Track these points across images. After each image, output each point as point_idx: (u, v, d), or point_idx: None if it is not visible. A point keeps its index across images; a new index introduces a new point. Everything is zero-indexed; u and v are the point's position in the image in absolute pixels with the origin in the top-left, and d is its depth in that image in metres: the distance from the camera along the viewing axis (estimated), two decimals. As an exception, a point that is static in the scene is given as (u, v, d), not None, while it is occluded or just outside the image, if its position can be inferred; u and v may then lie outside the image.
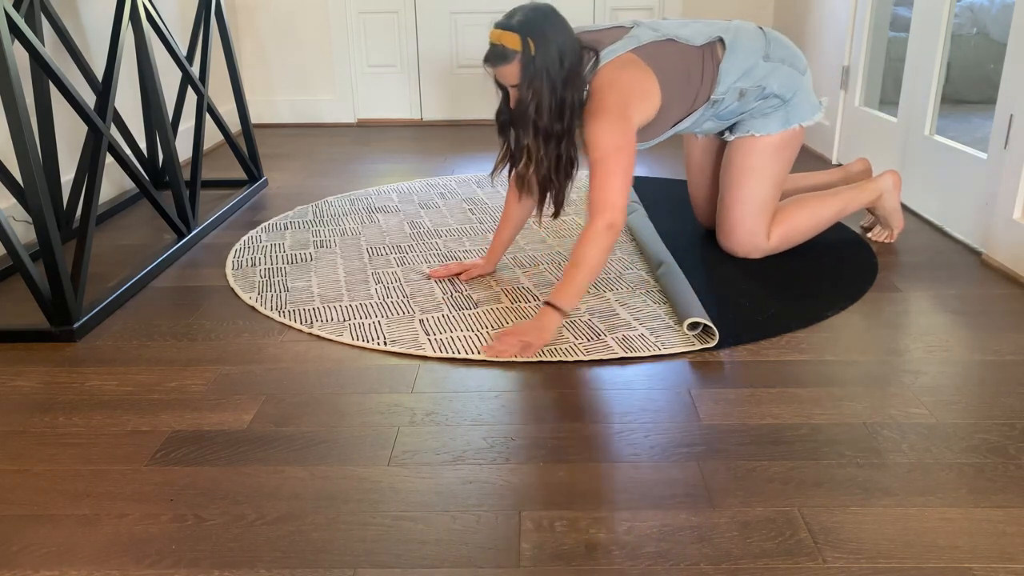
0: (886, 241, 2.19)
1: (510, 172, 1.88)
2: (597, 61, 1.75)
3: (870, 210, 2.22)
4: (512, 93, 1.73)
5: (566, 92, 1.68)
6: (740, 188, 2.00)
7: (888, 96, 2.92)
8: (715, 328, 1.64)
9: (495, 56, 1.70)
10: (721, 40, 1.91)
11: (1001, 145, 2.00)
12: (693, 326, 1.67)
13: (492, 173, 1.87)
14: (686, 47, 1.86)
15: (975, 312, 1.77)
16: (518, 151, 1.79)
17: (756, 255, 2.05)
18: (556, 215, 1.83)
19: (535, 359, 1.59)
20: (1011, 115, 1.96)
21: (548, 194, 1.80)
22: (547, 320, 1.64)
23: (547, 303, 1.65)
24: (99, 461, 1.30)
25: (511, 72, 1.69)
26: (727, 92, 1.90)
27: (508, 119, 1.79)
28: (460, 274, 2.00)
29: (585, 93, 1.75)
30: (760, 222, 2.01)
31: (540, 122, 1.68)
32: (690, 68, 1.86)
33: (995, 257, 2.02)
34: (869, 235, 2.23)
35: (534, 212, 1.93)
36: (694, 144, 2.20)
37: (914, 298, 1.85)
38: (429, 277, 2.01)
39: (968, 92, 4.14)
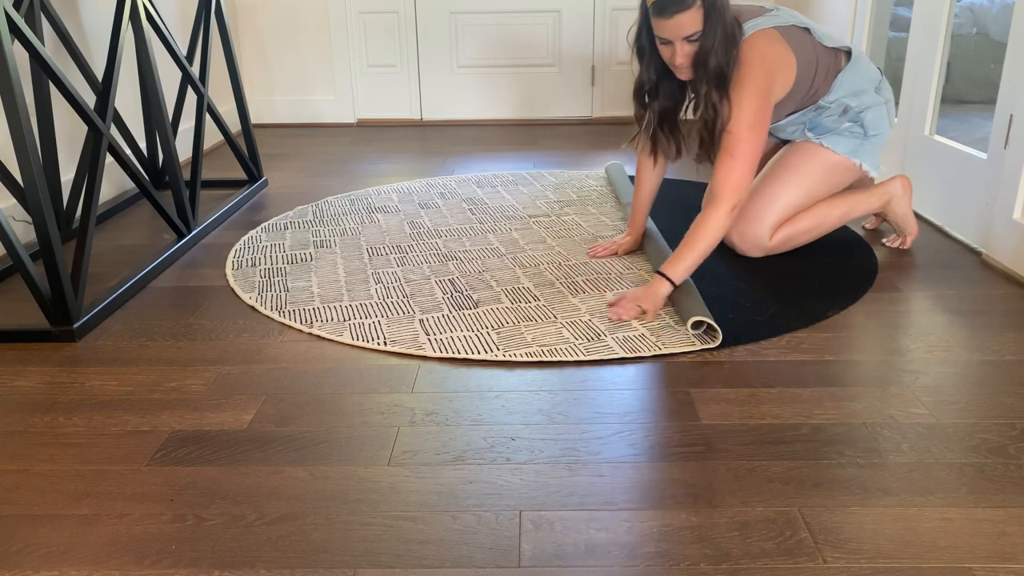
0: (900, 248, 2.14)
1: (650, 140, 1.97)
2: (743, 31, 1.79)
3: (881, 216, 2.20)
4: (679, 48, 1.74)
5: (731, 45, 1.75)
6: (778, 184, 1.99)
7: (888, 96, 2.91)
8: (718, 328, 1.64)
9: (675, 3, 1.68)
10: (848, 52, 1.95)
11: (1001, 145, 2.00)
12: (696, 325, 1.67)
13: (631, 142, 1.98)
14: (817, 43, 1.90)
15: (975, 312, 1.77)
16: (693, 107, 1.85)
17: (755, 253, 2.05)
18: (700, 160, 1.89)
19: (534, 359, 1.59)
20: (1011, 115, 1.96)
21: (699, 142, 1.86)
22: (660, 288, 1.76)
23: (660, 273, 1.77)
24: (99, 461, 1.30)
25: (691, 19, 1.69)
26: (835, 103, 1.94)
27: (653, 86, 1.87)
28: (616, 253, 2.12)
29: (736, 52, 1.79)
30: (773, 222, 2.01)
31: (721, 65, 1.73)
32: (817, 64, 1.90)
33: (995, 257, 2.02)
34: (884, 242, 2.18)
35: (671, 156, 2.00)
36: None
37: (914, 298, 1.85)
38: (592, 256, 2.12)
39: (968, 92, 4.13)
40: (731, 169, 1.77)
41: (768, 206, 2.00)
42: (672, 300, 1.80)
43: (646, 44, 1.82)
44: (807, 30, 1.90)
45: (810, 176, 1.99)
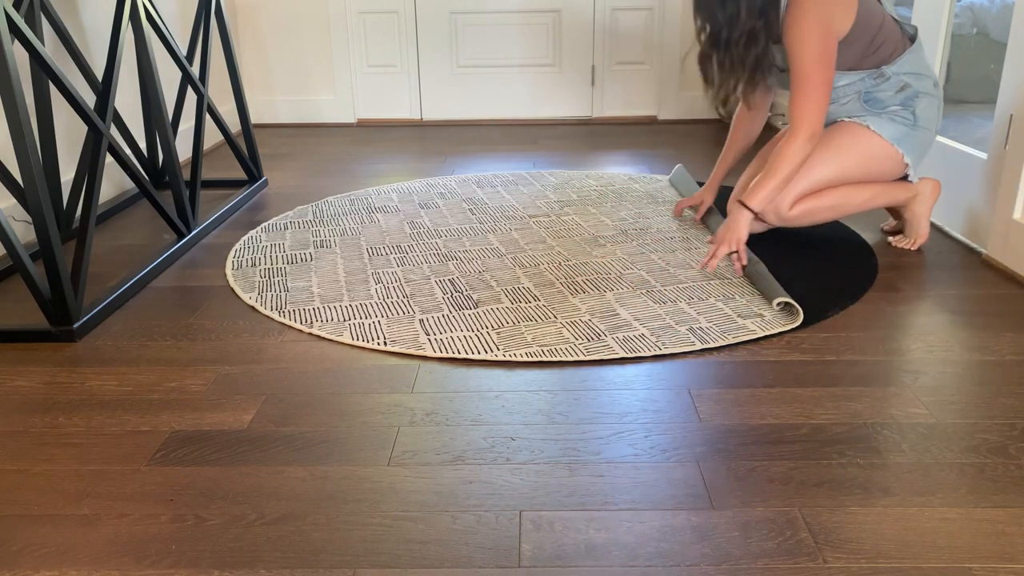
0: (907, 248, 2.13)
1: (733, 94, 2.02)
2: None
3: (897, 215, 2.19)
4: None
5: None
6: (815, 158, 1.97)
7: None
8: (799, 308, 1.72)
9: None
10: (912, 37, 1.97)
11: (1001, 145, 2.00)
12: (780, 305, 1.76)
13: (717, 105, 2.03)
14: (882, 9, 1.93)
15: (975, 312, 1.77)
16: (727, 59, 1.91)
17: (772, 220, 2.02)
18: (767, 80, 1.98)
19: (534, 359, 1.59)
20: (1011, 115, 1.96)
21: (754, 87, 1.96)
22: (737, 217, 1.89)
23: (739, 201, 1.88)
24: (99, 461, 1.30)
25: None
26: (896, 76, 1.94)
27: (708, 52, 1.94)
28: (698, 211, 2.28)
29: (784, 3, 1.84)
30: (798, 192, 1.98)
31: (745, 22, 1.82)
32: (883, 22, 1.91)
33: (995, 257, 2.02)
34: (891, 240, 2.18)
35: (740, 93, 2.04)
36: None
37: (914, 298, 1.85)
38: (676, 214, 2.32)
39: (968, 92, 4.13)
40: (806, 100, 1.83)
41: (798, 178, 1.97)
42: (753, 283, 1.87)
43: None
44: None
45: (848, 157, 1.98)
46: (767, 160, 2.01)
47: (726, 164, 2.28)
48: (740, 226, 1.89)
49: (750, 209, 1.87)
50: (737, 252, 1.90)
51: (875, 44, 1.92)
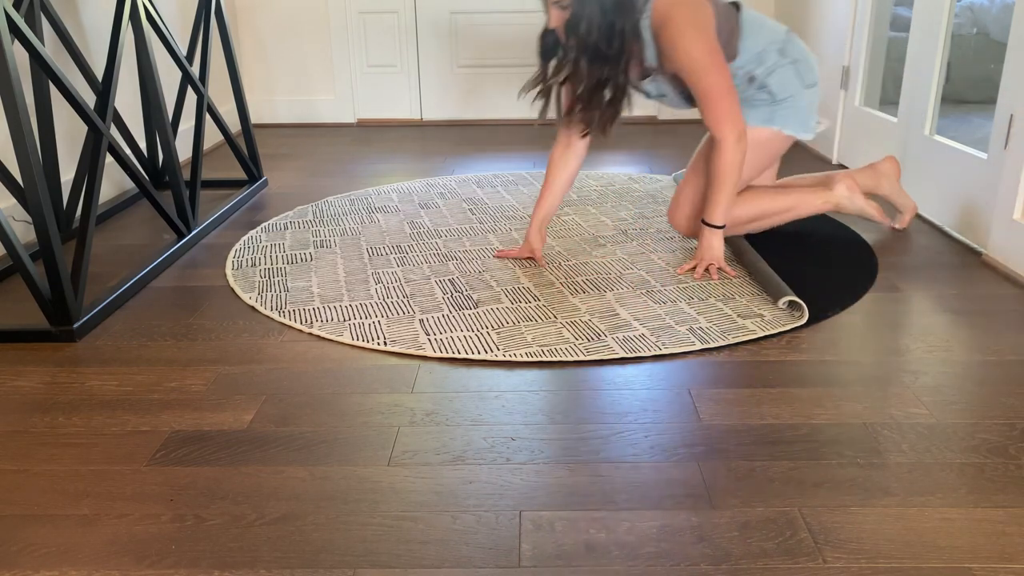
0: (904, 225, 2.20)
1: (557, 114, 1.96)
2: None
3: (901, 213, 2.23)
4: (554, 14, 1.78)
5: (617, 16, 1.74)
6: (701, 171, 2.02)
7: (888, 96, 2.92)
8: (804, 305, 1.73)
9: None
10: (736, 5, 1.93)
11: (1001, 145, 2.00)
12: (786, 304, 1.77)
13: (522, 91, 1.96)
14: (720, 4, 1.90)
15: (975, 312, 1.77)
16: (558, 69, 1.85)
17: (695, 236, 2.08)
18: (604, 133, 1.91)
19: (534, 359, 1.59)
20: (1011, 115, 1.96)
21: (591, 116, 1.88)
22: (709, 237, 1.93)
23: (704, 222, 1.92)
24: (99, 461, 1.30)
25: None
26: (741, 70, 1.92)
27: (552, 41, 1.85)
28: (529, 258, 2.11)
29: (646, 21, 1.81)
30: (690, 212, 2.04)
31: (589, 39, 1.74)
32: (727, 21, 1.88)
33: (995, 257, 2.02)
34: (895, 225, 2.24)
35: (580, 134, 1.98)
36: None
37: (914, 298, 1.85)
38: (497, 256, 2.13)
39: (968, 92, 4.13)
40: (718, 111, 1.82)
41: (695, 192, 2.02)
42: (754, 279, 1.88)
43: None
44: None
45: None
46: (703, 171, 2.02)
47: (546, 210, 2.07)
48: (714, 245, 1.94)
49: (716, 226, 1.91)
50: (720, 269, 1.94)
51: (722, 38, 1.87)
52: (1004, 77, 2.00)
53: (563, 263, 2.08)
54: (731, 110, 1.83)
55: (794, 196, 2.07)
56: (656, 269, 2.02)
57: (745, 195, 2.05)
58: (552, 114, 1.96)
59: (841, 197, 2.11)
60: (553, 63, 1.87)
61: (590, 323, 1.73)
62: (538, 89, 1.92)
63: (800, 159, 3.10)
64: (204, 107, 2.52)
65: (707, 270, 1.94)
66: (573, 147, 2.03)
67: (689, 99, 1.97)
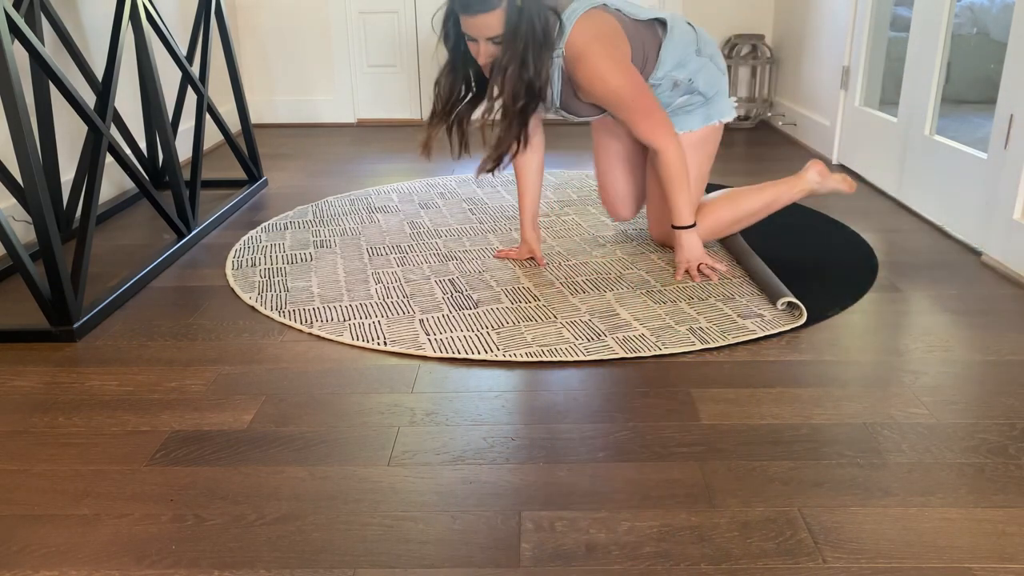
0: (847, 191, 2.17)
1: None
2: (562, 24, 1.77)
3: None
4: (482, 47, 1.76)
5: (543, 51, 1.73)
6: (657, 187, 2.04)
7: (888, 96, 2.91)
8: (803, 307, 1.74)
9: (479, 2, 1.68)
10: (662, 22, 1.93)
11: (1001, 145, 2.00)
12: (784, 305, 1.77)
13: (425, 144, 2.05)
14: (628, 19, 1.88)
15: (975, 312, 1.77)
16: (484, 99, 1.91)
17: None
18: (516, 152, 1.98)
19: (534, 359, 1.59)
20: (1011, 115, 1.96)
21: (510, 144, 1.95)
22: (688, 240, 1.94)
23: (675, 227, 1.94)
24: (99, 461, 1.30)
25: (493, 22, 1.69)
26: (664, 79, 1.92)
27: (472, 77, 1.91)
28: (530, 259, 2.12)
29: (558, 60, 1.80)
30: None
31: (525, 74, 1.74)
32: (643, 41, 1.88)
33: (995, 257, 2.02)
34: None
35: (513, 150, 2.02)
36: (609, 133, 2.18)
37: (914, 298, 1.85)
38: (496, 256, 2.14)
39: (968, 92, 4.13)
40: (646, 125, 1.86)
41: (665, 208, 2.04)
42: (757, 283, 1.89)
43: (451, 32, 1.87)
44: (619, 11, 1.88)
45: (690, 165, 2.00)
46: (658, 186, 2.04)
47: (531, 207, 2.10)
48: (693, 245, 1.95)
49: (687, 228, 1.93)
50: (711, 267, 1.95)
51: (640, 57, 1.88)
52: (1004, 77, 1.99)
53: (563, 263, 2.08)
54: (661, 120, 1.86)
55: (769, 192, 2.08)
56: (656, 269, 2.02)
57: (725, 198, 2.06)
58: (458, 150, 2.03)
59: (812, 183, 2.10)
60: (466, 96, 1.96)
61: (590, 323, 1.73)
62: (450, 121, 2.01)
63: (800, 159, 3.10)
64: (204, 107, 2.52)
65: (700, 271, 1.95)
66: (530, 144, 2.06)
67: (592, 109, 1.97)
